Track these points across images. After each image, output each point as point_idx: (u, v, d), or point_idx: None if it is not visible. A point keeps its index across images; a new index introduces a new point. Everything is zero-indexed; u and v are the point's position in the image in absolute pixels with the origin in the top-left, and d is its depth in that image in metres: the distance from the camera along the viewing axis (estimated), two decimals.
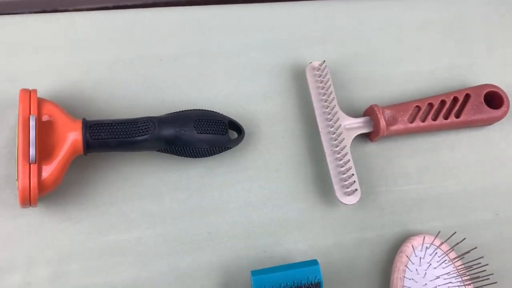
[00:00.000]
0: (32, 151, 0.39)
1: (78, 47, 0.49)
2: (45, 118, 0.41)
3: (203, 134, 0.43)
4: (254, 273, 0.41)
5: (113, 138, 0.41)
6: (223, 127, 0.44)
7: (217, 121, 0.44)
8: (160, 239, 0.45)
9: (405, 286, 0.43)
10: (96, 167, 0.45)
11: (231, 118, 0.46)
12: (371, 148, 0.50)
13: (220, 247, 0.45)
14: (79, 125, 0.41)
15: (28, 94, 0.42)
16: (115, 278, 0.43)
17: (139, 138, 0.41)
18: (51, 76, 0.48)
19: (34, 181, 0.39)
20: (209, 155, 0.45)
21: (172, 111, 0.45)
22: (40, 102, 0.42)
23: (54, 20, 0.50)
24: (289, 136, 0.50)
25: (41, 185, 0.40)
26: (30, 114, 0.40)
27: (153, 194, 0.46)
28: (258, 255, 0.45)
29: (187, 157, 0.45)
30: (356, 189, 0.44)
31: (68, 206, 0.44)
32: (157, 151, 0.44)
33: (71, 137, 0.40)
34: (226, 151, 0.46)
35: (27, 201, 0.40)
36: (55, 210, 0.44)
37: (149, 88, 0.49)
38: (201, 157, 0.45)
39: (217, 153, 0.46)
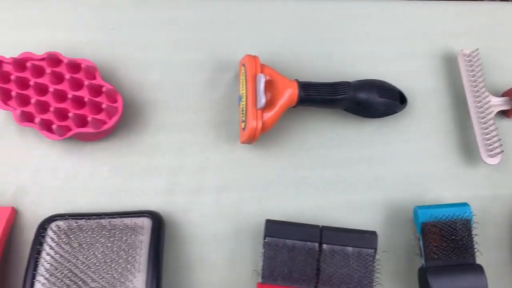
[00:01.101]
0: (263, 100, 0.52)
1: (270, 27, 0.63)
2: (266, 77, 0.55)
3: (383, 98, 0.55)
4: (419, 207, 0.53)
5: (319, 95, 0.54)
6: (396, 94, 0.57)
7: (392, 89, 0.56)
8: (337, 178, 0.58)
9: None
10: (294, 119, 0.59)
11: (399, 89, 0.58)
12: (506, 123, 0.61)
13: (383, 189, 0.58)
14: (295, 84, 0.54)
15: (253, 58, 0.55)
16: (302, 203, 0.57)
17: (338, 96, 0.54)
18: (251, 49, 0.62)
19: (259, 123, 0.53)
20: (380, 117, 0.58)
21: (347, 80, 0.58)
22: (262, 65, 0.55)
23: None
24: (439, 108, 0.61)
25: (262, 126, 0.54)
26: (257, 73, 0.54)
27: (332, 144, 0.59)
28: (411, 199, 0.57)
29: (364, 116, 0.58)
30: (503, 151, 0.55)
31: (271, 146, 0.58)
32: (344, 109, 0.57)
33: (288, 92, 0.54)
34: (391, 115, 0.59)
35: (251, 138, 0.54)
36: (261, 148, 0.58)
37: (329, 62, 0.62)
38: (375, 117, 0.58)
39: (386, 116, 0.58)
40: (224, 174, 0.57)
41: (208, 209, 0.56)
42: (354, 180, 0.58)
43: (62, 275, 0.48)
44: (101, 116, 0.54)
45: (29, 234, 0.53)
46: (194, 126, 0.58)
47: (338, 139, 0.59)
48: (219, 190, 0.57)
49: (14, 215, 0.53)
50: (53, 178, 0.56)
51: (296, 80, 0.55)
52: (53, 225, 0.51)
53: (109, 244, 0.49)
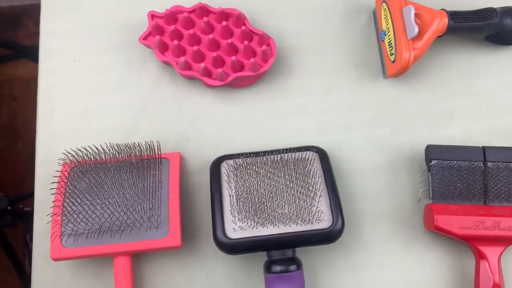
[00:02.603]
0: (416, 29, 0.54)
1: None
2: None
3: None
4: None
5: (468, 22, 0.56)
6: None
7: None
8: (480, 105, 0.59)
9: None
10: (430, 52, 0.60)
11: None
12: None
13: None
14: (443, 13, 0.56)
15: None
16: (450, 132, 0.58)
17: (487, 22, 0.56)
18: None
19: (412, 54, 0.55)
20: None
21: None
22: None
23: None
24: None
25: (414, 57, 0.55)
26: (401, 6, 0.56)
27: (471, 72, 0.60)
28: None
29: (503, 44, 0.59)
30: None
31: (412, 80, 0.60)
32: (485, 37, 0.59)
33: (437, 22, 0.56)
34: None
35: (403, 69, 0.56)
36: (403, 83, 0.60)
37: None
38: None
39: None
40: (372, 110, 0.59)
41: (361, 144, 0.58)
42: (497, 106, 0.59)
43: (249, 204, 0.50)
44: (257, 60, 0.57)
45: (195, 177, 0.56)
46: (336, 68, 0.61)
47: (477, 68, 0.61)
48: (369, 125, 0.59)
49: (181, 160, 0.56)
50: (210, 124, 0.58)
51: (443, 9, 0.57)
52: (230, 161, 0.53)
53: (292, 172, 0.51)
